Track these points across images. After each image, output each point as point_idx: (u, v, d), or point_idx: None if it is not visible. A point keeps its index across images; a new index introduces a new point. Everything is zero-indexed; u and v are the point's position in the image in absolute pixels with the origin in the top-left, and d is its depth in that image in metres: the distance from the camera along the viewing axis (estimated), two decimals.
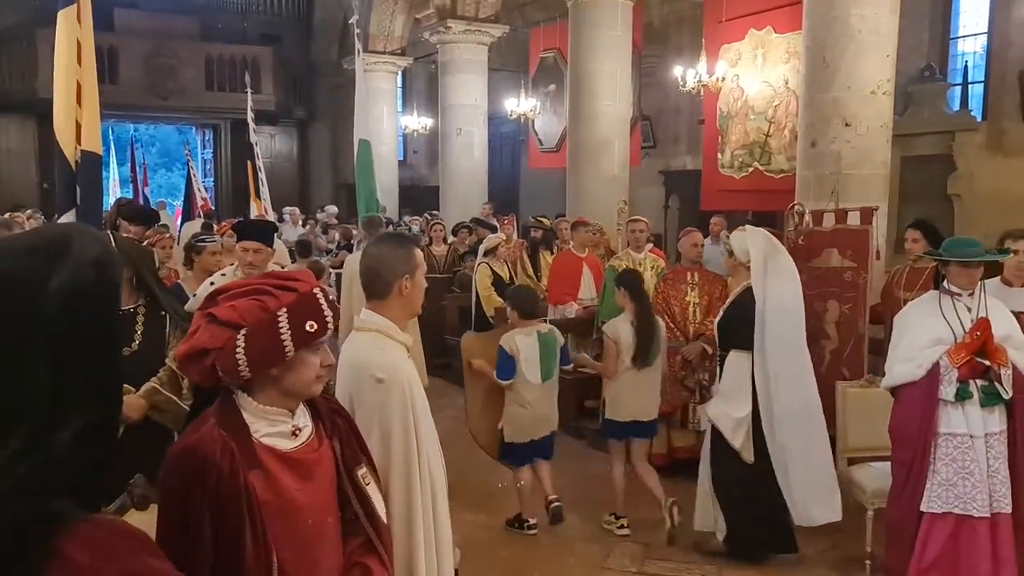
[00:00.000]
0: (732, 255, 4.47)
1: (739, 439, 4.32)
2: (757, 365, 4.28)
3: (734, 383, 4.38)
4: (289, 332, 1.76)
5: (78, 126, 3.06)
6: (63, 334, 0.85)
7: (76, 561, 0.87)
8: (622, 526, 4.85)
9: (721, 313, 4.59)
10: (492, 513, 5.07)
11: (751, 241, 4.37)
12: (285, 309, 1.78)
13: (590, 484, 5.56)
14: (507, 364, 4.64)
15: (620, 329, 4.74)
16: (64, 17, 3.08)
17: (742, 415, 4.31)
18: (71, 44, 3.09)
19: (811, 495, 4.25)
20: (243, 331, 1.74)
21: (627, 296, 4.80)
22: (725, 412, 4.38)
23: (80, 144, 3.07)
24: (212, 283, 4.33)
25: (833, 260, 5.84)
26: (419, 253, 2.48)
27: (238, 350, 1.73)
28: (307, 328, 1.77)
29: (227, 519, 1.69)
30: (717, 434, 4.39)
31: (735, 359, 4.39)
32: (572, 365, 5.23)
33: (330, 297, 1.89)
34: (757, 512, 4.34)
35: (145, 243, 5.92)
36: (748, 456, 4.31)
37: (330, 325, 1.81)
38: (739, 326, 4.32)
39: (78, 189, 3.07)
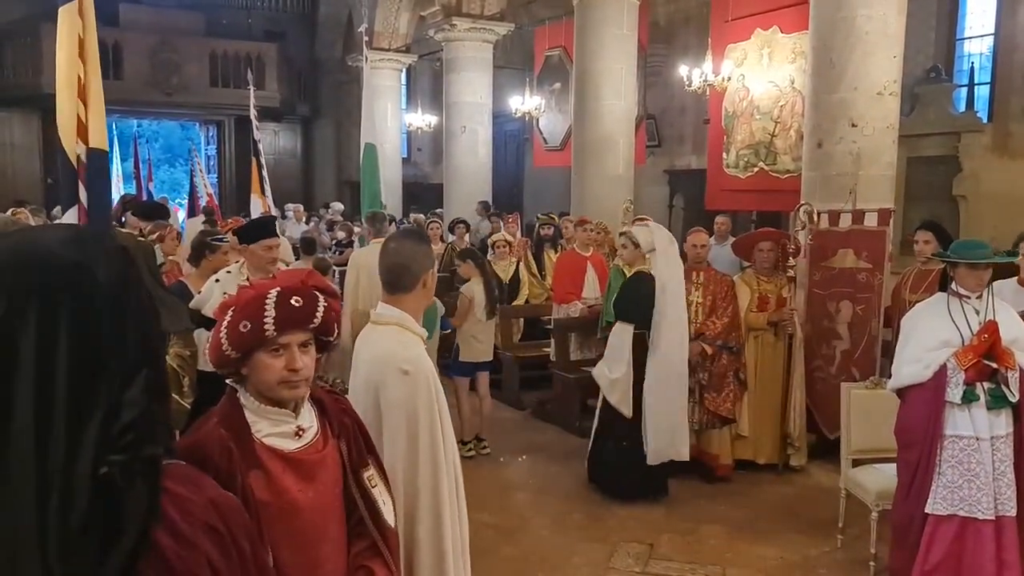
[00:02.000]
0: (637, 246, 5.23)
1: (614, 396, 5.17)
2: (652, 337, 5.10)
3: (616, 349, 5.20)
4: (226, 331, 1.80)
5: (81, 122, 3.02)
6: (118, 308, 1.04)
7: (176, 493, 1.09)
8: (471, 448, 6.06)
9: (617, 292, 5.32)
10: (496, 512, 5.06)
11: (656, 235, 5.22)
12: (233, 308, 1.82)
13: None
14: None
15: (475, 290, 6.12)
16: (66, 12, 3.05)
17: (617, 376, 5.15)
18: (72, 39, 3.05)
19: (665, 440, 5.10)
20: (232, 309, 1.84)
21: (472, 267, 6.22)
22: (604, 373, 5.25)
23: (85, 141, 3.04)
24: (217, 279, 4.33)
25: (848, 260, 5.83)
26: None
27: (223, 329, 1.82)
28: (240, 328, 1.79)
29: None
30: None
31: (620, 329, 5.20)
32: (451, 328, 6.22)
33: (318, 303, 1.87)
34: (632, 459, 5.12)
35: (150, 237, 5.91)
36: (627, 411, 5.13)
37: (269, 329, 1.78)
38: (631, 303, 5.16)
39: (81, 186, 3.03)
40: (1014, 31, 9.44)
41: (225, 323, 1.81)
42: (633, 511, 5.06)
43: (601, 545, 4.63)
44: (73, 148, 3.02)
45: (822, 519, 4.81)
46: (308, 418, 1.90)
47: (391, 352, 2.33)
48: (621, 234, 5.62)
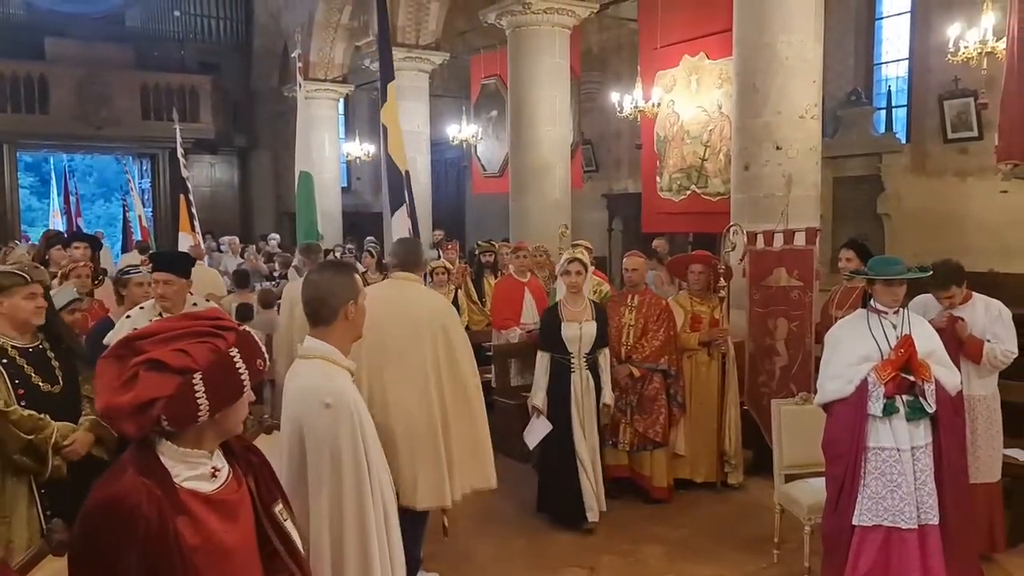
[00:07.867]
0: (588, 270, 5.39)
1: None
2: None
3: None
4: (246, 370, 1.76)
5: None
6: None
7: None
8: None
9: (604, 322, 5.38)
10: (438, 541, 5.00)
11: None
12: (236, 348, 1.76)
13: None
14: None
15: None
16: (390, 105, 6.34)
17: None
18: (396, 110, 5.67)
19: None
20: (198, 375, 1.69)
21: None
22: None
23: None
24: (128, 316, 4.24)
25: (782, 279, 5.98)
26: (359, 279, 2.56)
27: (198, 394, 1.68)
28: (258, 365, 1.78)
29: (159, 570, 1.63)
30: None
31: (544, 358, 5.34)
32: None
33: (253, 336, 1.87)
34: (574, 485, 5.09)
35: (68, 270, 5.72)
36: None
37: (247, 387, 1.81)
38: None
39: (407, 193, 5.73)
40: (927, 55, 9.86)
41: (240, 363, 1.75)
42: (575, 535, 5.06)
43: (543, 572, 4.62)
44: (403, 165, 5.71)
45: (759, 535, 4.88)
46: (219, 459, 1.88)
47: (314, 385, 2.33)
48: (572, 260, 5.23)
